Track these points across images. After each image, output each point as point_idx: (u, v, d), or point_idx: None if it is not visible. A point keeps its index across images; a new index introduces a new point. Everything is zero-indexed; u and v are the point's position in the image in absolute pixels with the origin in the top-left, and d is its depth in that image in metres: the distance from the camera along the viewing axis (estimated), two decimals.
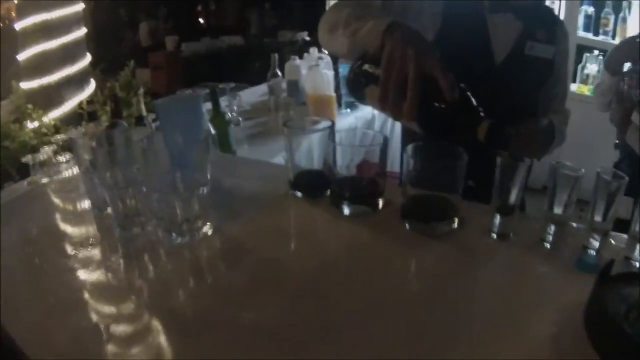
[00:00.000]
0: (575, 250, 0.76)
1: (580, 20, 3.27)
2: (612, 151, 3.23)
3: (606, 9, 3.23)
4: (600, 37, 3.28)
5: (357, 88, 0.89)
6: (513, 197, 0.78)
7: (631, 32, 3.18)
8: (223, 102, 2.29)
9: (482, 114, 0.75)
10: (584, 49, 3.33)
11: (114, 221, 0.81)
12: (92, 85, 3.28)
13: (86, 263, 0.74)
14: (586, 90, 3.29)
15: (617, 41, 3.24)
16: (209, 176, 0.79)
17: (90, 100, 2.23)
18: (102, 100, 3.57)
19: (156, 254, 0.76)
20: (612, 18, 3.25)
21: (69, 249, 0.79)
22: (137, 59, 4.47)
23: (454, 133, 0.77)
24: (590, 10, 3.27)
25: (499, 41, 1.16)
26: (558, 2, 3.29)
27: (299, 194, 0.93)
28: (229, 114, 2.17)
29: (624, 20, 3.21)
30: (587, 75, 3.32)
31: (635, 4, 3.16)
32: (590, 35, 3.29)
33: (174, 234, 0.78)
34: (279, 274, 0.72)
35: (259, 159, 1.61)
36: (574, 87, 3.31)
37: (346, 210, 0.87)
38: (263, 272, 0.73)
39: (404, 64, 0.74)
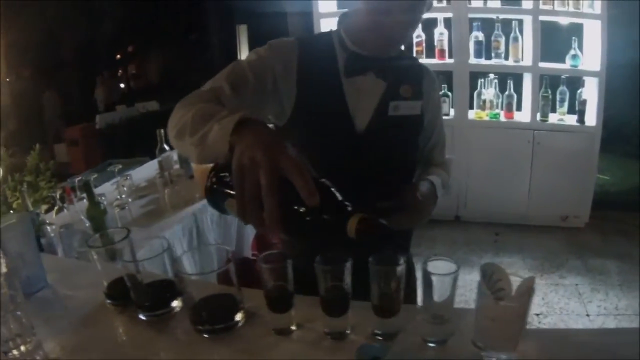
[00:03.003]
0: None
1: (472, 47, 3.37)
2: (514, 174, 3.35)
3: (496, 32, 3.33)
4: (494, 60, 3.39)
5: (216, 202, 0.77)
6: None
7: (525, 49, 3.31)
8: (112, 185, 2.26)
9: (349, 208, 0.67)
10: (478, 75, 3.44)
11: None
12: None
13: None
14: (484, 115, 3.40)
15: (510, 62, 3.39)
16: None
17: None
18: (12, 186, 3.45)
19: None
20: (502, 40, 3.35)
21: None
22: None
23: (325, 235, 0.69)
24: (481, 35, 3.36)
25: (359, 107, 1.06)
26: (447, 32, 3.41)
27: (110, 302, 0.93)
28: (118, 196, 2.13)
29: (516, 39, 3.32)
30: (484, 101, 3.44)
31: (527, 20, 3.26)
32: (482, 61, 3.40)
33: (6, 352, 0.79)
34: None
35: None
36: (471, 114, 3.43)
37: (141, 316, 0.87)
38: None
39: (255, 172, 0.65)
